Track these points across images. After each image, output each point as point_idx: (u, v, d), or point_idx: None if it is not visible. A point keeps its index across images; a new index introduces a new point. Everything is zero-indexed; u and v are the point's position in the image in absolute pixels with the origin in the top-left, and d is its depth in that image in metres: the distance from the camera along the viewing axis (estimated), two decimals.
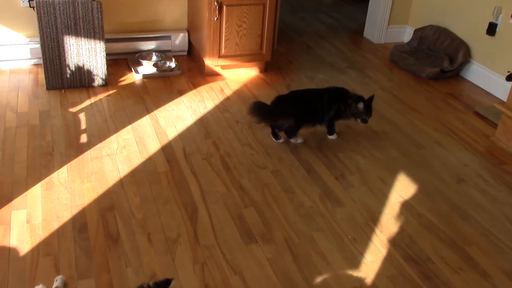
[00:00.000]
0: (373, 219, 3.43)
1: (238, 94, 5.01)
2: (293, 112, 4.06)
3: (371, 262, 3.08)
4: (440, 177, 3.90)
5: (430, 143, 4.36)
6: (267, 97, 4.89)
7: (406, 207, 3.56)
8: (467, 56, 5.58)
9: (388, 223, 3.40)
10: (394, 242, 3.24)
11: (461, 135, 4.52)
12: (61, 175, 3.68)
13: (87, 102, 4.65)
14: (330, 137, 4.28)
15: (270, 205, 3.50)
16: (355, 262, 3.07)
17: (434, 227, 3.38)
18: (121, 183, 3.63)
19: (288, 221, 3.36)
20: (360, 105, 4.09)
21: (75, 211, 3.34)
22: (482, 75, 5.46)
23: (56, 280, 2.77)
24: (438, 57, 5.68)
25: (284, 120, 4.08)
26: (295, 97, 4.18)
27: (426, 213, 3.50)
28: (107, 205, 3.41)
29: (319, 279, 2.94)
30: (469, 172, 4.01)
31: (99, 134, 4.18)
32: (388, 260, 3.10)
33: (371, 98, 4.14)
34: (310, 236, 3.25)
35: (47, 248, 3.04)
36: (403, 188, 3.75)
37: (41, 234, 3.14)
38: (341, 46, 6.44)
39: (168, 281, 2.49)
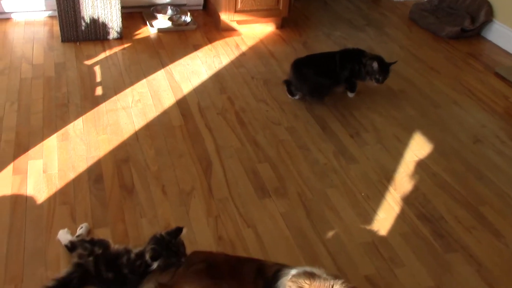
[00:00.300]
0: (387, 177, 3.42)
1: (254, 50, 4.95)
2: (311, 74, 4.04)
3: (384, 219, 3.09)
4: (457, 137, 3.86)
5: (448, 103, 4.30)
6: (283, 54, 4.85)
7: (421, 166, 3.54)
8: (489, 15, 5.43)
9: (402, 182, 3.39)
10: (408, 200, 3.24)
11: (480, 95, 4.45)
12: (77, 126, 3.70)
13: (102, 55, 4.63)
14: (350, 94, 4.23)
15: (284, 161, 3.50)
16: (368, 219, 3.08)
17: (448, 186, 3.36)
18: (136, 135, 3.64)
19: (302, 177, 3.36)
20: (375, 64, 4.02)
21: (90, 162, 3.37)
22: (504, 35, 5.33)
23: (81, 228, 2.82)
24: (459, 16, 5.54)
25: (304, 83, 4.07)
26: (311, 60, 4.16)
27: (441, 172, 3.48)
28: (122, 157, 3.43)
29: (331, 234, 2.96)
30: (486, 132, 3.96)
31: (114, 87, 4.17)
32: (401, 217, 3.11)
33: (391, 62, 4.10)
34: (323, 192, 3.25)
35: (64, 197, 3.09)
36: (418, 147, 3.72)
37: (58, 184, 3.18)
38: (359, 3, 6.30)
39: (179, 230, 2.52)
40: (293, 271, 2.24)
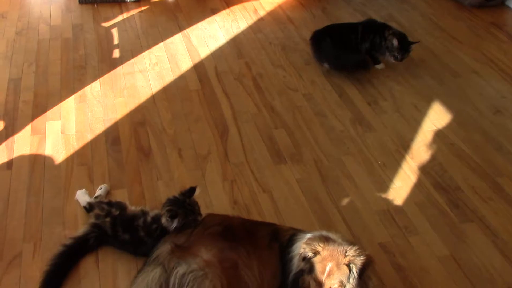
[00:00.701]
0: (404, 146, 3.39)
1: (272, 15, 4.88)
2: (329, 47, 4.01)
3: (400, 188, 3.07)
4: (476, 107, 3.80)
5: (468, 73, 4.22)
6: (302, 20, 4.78)
7: (439, 135, 3.50)
8: None
9: (419, 151, 3.36)
10: (424, 170, 3.22)
11: (502, 66, 4.35)
12: (94, 88, 3.70)
13: (119, 18, 4.60)
14: (377, 66, 4.16)
15: (301, 128, 3.48)
16: (384, 187, 3.08)
17: (466, 156, 3.33)
18: (153, 99, 3.64)
19: (318, 144, 3.35)
20: (395, 41, 3.95)
21: (107, 124, 3.39)
22: None
23: (100, 188, 2.85)
24: None
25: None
26: (330, 31, 4.11)
27: (459, 142, 3.45)
28: (139, 119, 3.44)
29: (346, 201, 2.96)
30: (506, 103, 3.89)
31: (131, 50, 4.16)
32: (417, 186, 3.10)
33: (413, 42, 4.03)
34: (339, 159, 3.24)
35: (81, 158, 3.12)
36: (437, 117, 3.68)
37: (75, 145, 3.21)
38: None
39: (192, 189, 2.54)
40: (309, 235, 2.25)
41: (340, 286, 2.09)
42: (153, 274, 2.24)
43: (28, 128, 3.31)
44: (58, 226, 2.69)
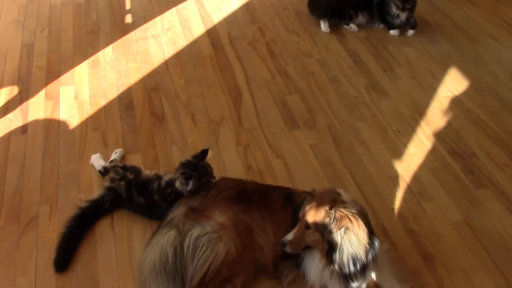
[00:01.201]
0: (419, 112, 3.36)
1: None
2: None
3: (414, 154, 3.06)
4: (493, 73, 3.74)
5: (485, 37, 4.14)
6: None
7: (455, 101, 3.46)
8: None
9: (435, 117, 3.33)
10: (439, 136, 3.19)
11: None
12: (107, 54, 3.69)
13: None
14: (391, 32, 4.07)
15: (314, 93, 3.45)
16: (398, 153, 3.06)
17: (482, 123, 3.29)
18: (166, 64, 3.62)
19: (332, 110, 3.33)
20: None
21: (121, 89, 3.38)
22: None
23: (115, 153, 2.86)
24: None
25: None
26: None
27: (475, 108, 3.40)
28: (152, 85, 3.43)
29: (360, 167, 2.95)
30: None
31: (143, 15, 4.12)
32: (432, 153, 3.07)
33: None
34: (353, 125, 3.22)
35: (95, 123, 3.12)
36: (453, 83, 3.62)
37: (89, 110, 3.21)
38: None
39: (205, 152, 2.55)
40: None
41: (312, 225, 2.10)
42: (168, 236, 2.27)
43: (42, 93, 3.32)
44: (74, 190, 2.71)
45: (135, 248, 2.45)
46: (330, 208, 2.09)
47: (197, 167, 2.47)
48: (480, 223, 2.66)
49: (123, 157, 2.89)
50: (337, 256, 2.09)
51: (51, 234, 2.47)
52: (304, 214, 2.16)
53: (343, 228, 2.07)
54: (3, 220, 2.55)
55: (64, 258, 2.37)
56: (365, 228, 2.09)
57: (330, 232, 2.08)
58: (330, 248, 2.10)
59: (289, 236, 2.18)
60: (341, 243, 2.08)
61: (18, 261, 2.38)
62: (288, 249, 2.18)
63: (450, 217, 2.69)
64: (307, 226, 2.14)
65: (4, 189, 2.71)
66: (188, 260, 2.21)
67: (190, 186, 2.42)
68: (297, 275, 2.26)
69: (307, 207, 2.16)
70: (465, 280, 2.39)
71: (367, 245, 2.09)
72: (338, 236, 2.08)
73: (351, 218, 2.07)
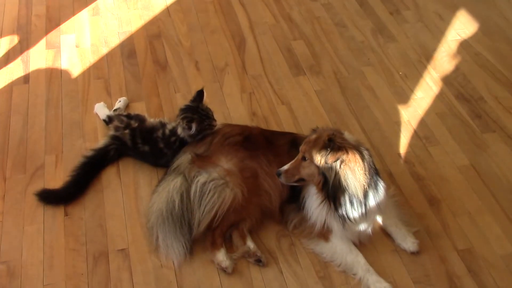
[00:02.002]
0: (427, 56, 3.29)
1: None
2: None
3: (421, 99, 3.02)
4: (504, 15, 3.64)
5: None
6: None
7: (463, 45, 3.39)
8: None
9: (442, 61, 3.27)
10: (447, 80, 3.14)
11: None
12: (107, 1, 3.60)
13: None
14: None
15: (320, 38, 3.38)
16: (404, 98, 3.02)
17: (490, 66, 3.23)
18: (167, 11, 3.54)
19: (337, 55, 3.27)
20: None
21: (122, 37, 3.32)
22: None
23: (119, 101, 2.84)
24: None
25: None
26: None
27: (484, 52, 3.33)
28: (155, 32, 3.36)
29: (366, 112, 2.92)
30: None
31: None
32: (439, 97, 3.03)
33: None
34: (359, 70, 3.17)
35: (98, 71, 3.09)
36: (461, 26, 3.53)
37: (91, 58, 3.17)
38: None
39: (200, 93, 2.53)
40: None
41: (309, 156, 2.10)
42: (174, 183, 2.27)
43: (43, 42, 3.26)
44: (78, 139, 2.71)
45: (142, 195, 2.46)
46: (328, 139, 2.07)
47: (197, 110, 2.45)
48: (487, 166, 2.65)
49: (127, 106, 2.86)
50: (330, 190, 2.08)
51: (57, 182, 2.48)
52: (302, 145, 2.16)
53: (339, 161, 2.05)
54: (9, 170, 2.56)
55: (55, 197, 2.41)
56: (363, 166, 2.07)
57: (326, 163, 2.06)
58: (325, 182, 2.09)
59: (285, 167, 2.18)
60: (336, 177, 2.06)
61: (26, 210, 2.40)
62: (282, 179, 2.18)
63: (456, 161, 2.67)
64: (304, 157, 2.14)
65: (8, 139, 2.70)
66: (195, 206, 2.23)
67: (193, 130, 2.41)
68: (301, 218, 2.27)
69: (306, 139, 2.15)
70: (471, 223, 2.40)
71: (364, 184, 2.08)
72: (333, 168, 2.06)
73: (349, 150, 2.05)
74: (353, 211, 2.11)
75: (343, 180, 2.06)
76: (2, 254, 2.24)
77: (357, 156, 2.07)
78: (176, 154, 2.46)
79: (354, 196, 2.08)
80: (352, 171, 2.06)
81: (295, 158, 2.17)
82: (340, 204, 2.10)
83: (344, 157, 2.04)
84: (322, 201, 2.14)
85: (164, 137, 2.55)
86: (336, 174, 2.06)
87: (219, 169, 2.27)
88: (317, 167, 2.09)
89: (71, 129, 2.76)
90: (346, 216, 2.11)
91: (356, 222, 2.14)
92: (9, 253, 2.25)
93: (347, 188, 2.07)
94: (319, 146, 2.08)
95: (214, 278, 2.17)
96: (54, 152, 2.65)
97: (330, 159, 2.04)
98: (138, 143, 2.56)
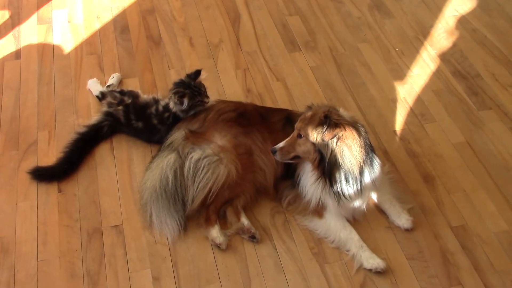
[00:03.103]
0: (424, 33, 3.26)
1: None
2: None
3: (417, 76, 2.99)
4: None
5: None
6: None
7: (461, 21, 3.35)
8: None
9: (439, 38, 3.23)
10: (444, 57, 3.11)
11: None
12: None
13: None
14: None
15: (316, 14, 3.34)
16: (401, 75, 2.99)
17: (488, 43, 3.20)
18: None
19: (333, 31, 3.23)
20: None
21: (115, 12, 3.27)
22: None
23: (113, 77, 2.80)
24: None
25: None
26: None
27: (482, 28, 3.29)
28: (148, 7, 3.31)
29: (362, 89, 2.89)
30: None
31: None
32: (436, 74, 3.01)
33: None
34: (355, 47, 3.13)
35: (90, 47, 3.04)
36: (459, 1, 3.49)
37: (83, 34, 3.12)
38: None
39: (198, 72, 2.50)
40: None
41: (304, 133, 2.09)
42: (168, 159, 2.26)
43: (34, 17, 3.21)
44: (71, 115, 2.68)
45: (136, 172, 2.45)
46: (324, 116, 2.05)
47: (190, 86, 2.43)
48: (482, 144, 2.64)
49: (120, 82, 2.83)
50: (326, 167, 2.07)
51: (50, 159, 2.46)
52: (297, 123, 2.14)
53: (335, 138, 2.04)
54: (2, 147, 2.54)
55: (48, 174, 2.39)
56: (360, 142, 2.06)
57: (322, 140, 2.05)
58: (321, 159, 2.08)
59: (281, 144, 2.16)
60: (332, 154, 2.05)
61: (19, 186, 2.38)
62: (277, 156, 2.17)
63: (452, 139, 2.66)
64: (299, 134, 2.12)
65: (1, 115, 2.67)
66: (189, 183, 2.22)
67: (184, 105, 2.39)
68: (296, 195, 2.27)
69: (302, 116, 2.14)
70: (465, 200, 2.40)
71: (360, 161, 2.07)
72: (329, 145, 2.05)
73: (345, 127, 2.04)
74: (348, 188, 2.11)
75: (339, 156, 2.05)
76: None
77: (354, 133, 2.06)
78: (169, 130, 2.45)
79: (350, 172, 2.07)
80: (349, 148, 2.05)
81: (291, 136, 2.16)
82: (335, 181, 2.09)
83: (341, 133, 2.03)
84: (318, 178, 2.13)
85: (157, 113, 2.52)
86: (333, 151, 2.05)
87: (213, 145, 2.25)
88: (313, 144, 2.08)
89: (63, 105, 2.73)
90: (341, 192, 2.11)
91: (351, 198, 2.14)
92: (3, 230, 2.24)
93: (343, 164, 2.06)
94: (315, 123, 2.07)
95: (208, 254, 2.17)
96: (46, 128, 2.62)
97: (327, 136, 2.02)
98: (131, 119, 2.54)
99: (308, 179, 2.20)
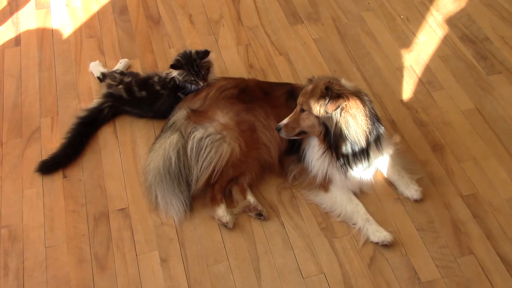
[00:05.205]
0: None
1: None
2: None
3: (424, 42, 2.92)
4: None
5: None
6: None
7: None
8: None
9: (445, 2, 3.14)
10: (451, 22, 3.02)
11: None
12: None
13: None
14: None
15: None
16: (407, 42, 2.92)
17: (496, 5, 3.09)
18: None
19: (336, 1, 3.14)
20: None
21: None
22: None
23: (120, 63, 2.76)
24: None
25: None
26: None
27: None
28: None
29: (367, 59, 2.83)
30: None
31: None
32: (443, 40, 2.93)
33: None
34: (359, 16, 3.06)
35: (89, 30, 3.01)
36: None
37: (82, 17, 3.08)
38: None
39: (206, 52, 2.47)
40: None
41: (307, 107, 2.05)
42: (171, 140, 2.23)
43: (32, 2, 3.17)
44: (73, 100, 2.66)
45: (140, 154, 2.43)
46: (325, 88, 2.01)
47: (192, 63, 2.41)
48: (492, 109, 2.58)
49: (128, 67, 2.78)
50: (332, 139, 2.03)
51: (54, 144, 2.45)
52: (299, 97, 2.10)
53: (339, 109, 1.99)
54: (5, 135, 2.53)
55: (53, 164, 2.37)
56: (364, 111, 2.01)
57: (326, 113, 2.00)
58: (326, 132, 2.04)
59: (284, 121, 2.13)
60: (337, 126, 2.01)
61: (25, 174, 2.38)
62: (282, 133, 2.14)
63: (460, 105, 2.60)
64: (302, 109, 2.08)
65: (3, 103, 2.66)
66: (192, 162, 2.19)
67: (173, 74, 2.45)
68: (301, 169, 2.24)
69: (303, 90, 2.09)
70: (476, 168, 2.35)
71: (366, 130, 2.02)
72: (333, 117, 2.01)
73: (348, 96, 2.00)
74: (355, 160, 2.07)
75: (344, 128, 2.01)
76: (2, 218, 2.24)
77: (358, 102, 2.01)
78: (171, 95, 2.45)
79: (356, 143, 2.03)
80: (354, 118, 2.00)
81: (294, 111, 2.12)
82: (341, 153, 2.05)
83: (344, 104, 1.98)
84: (324, 152, 2.09)
85: (159, 80, 2.52)
86: (337, 122, 2.01)
87: (215, 123, 2.22)
88: (317, 117, 2.04)
89: (65, 90, 2.70)
90: (348, 164, 2.07)
91: (358, 170, 2.11)
92: (10, 217, 2.24)
93: (348, 135, 2.02)
94: (316, 96, 2.02)
95: (216, 233, 2.16)
96: (49, 114, 2.60)
97: (330, 108, 1.98)
98: (134, 91, 2.51)
99: (314, 153, 2.17)
